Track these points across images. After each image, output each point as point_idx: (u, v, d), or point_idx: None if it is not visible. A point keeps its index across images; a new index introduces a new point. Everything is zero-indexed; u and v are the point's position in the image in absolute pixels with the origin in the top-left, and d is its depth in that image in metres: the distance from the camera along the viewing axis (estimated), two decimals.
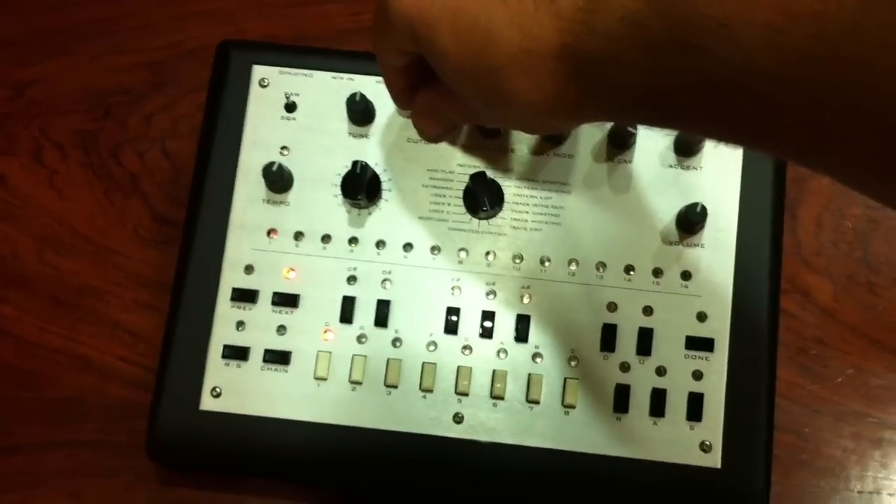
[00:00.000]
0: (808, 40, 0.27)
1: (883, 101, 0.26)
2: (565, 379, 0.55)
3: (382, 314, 0.56)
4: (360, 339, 0.56)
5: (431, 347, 0.56)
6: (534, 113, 0.40)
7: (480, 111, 0.45)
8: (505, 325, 0.56)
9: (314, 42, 0.69)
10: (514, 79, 0.38)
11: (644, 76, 0.33)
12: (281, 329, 0.57)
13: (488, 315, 0.56)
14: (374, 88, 0.59)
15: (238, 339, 0.57)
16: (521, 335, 0.56)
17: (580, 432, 0.55)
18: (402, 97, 0.53)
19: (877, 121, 0.27)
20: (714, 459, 0.54)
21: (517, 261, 0.57)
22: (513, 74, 0.38)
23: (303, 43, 0.69)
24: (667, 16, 0.30)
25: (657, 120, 0.37)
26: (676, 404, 0.55)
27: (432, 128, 0.55)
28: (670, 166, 0.57)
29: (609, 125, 0.56)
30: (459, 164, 0.58)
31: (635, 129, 0.55)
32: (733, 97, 0.31)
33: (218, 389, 0.56)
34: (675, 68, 0.32)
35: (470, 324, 0.56)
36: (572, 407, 0.55)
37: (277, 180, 0.56)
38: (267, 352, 0.56)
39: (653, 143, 0.57)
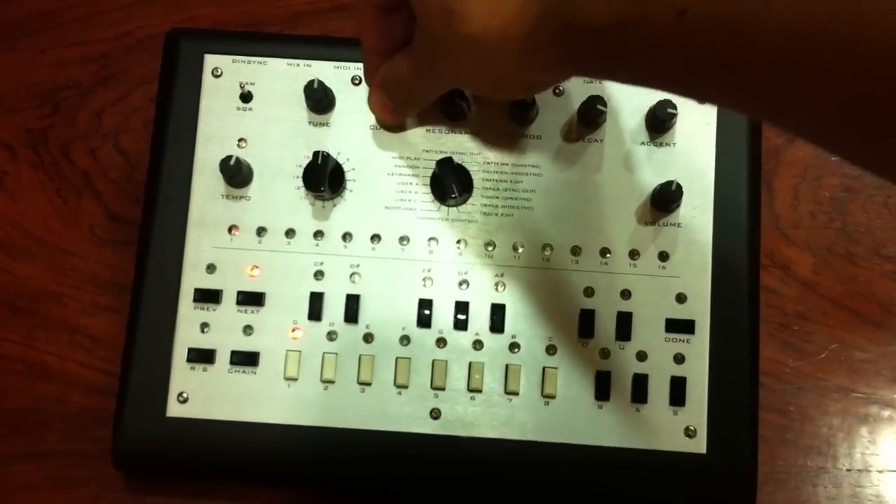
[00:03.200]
0: None
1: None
2: (544, 368, 0.53)
3: (352, 309, 0.54)
4: (331, 336, 0.54)
5: (405, 342, 0.54)
6: (486, 43, 0.39)
7: (436, 55, 0.44)
8: (479, 316, 0.54)
9: (269, 27, 0.67)
10: None
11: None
12: (247, 329, 0.54)
13: (462, 306, 0.54)
14: (333, 74, 0.56)
15: (203, 342, 0.54)
16: (497, 325, 0.54)
17: (561, 423, 0.53)
18: (371, 56, 0.51)
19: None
20: (699, 445, 0.53)
21: (489, 248, 0.55)
22: None
23: (257, 28, 0.66)
24: None
25: (624, 58, 0.34)
26: (659, 390, 0.53)
27: (387, 110, 0.53)
28: (642, 143, 0.55)
29: (577, 104, 0.54)
30: (425, 149, 0.56)
31: (604, 106, 0.53)
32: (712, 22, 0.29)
33: (184, 395, 0.54)
34: None
35: (443, 316, 0.54)
36: (552, 397, 0.53)
37: (236, 175, 0.54)
38: (234, 353, 0.54)
39: (624, 120, 0.55)
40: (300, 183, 0.55)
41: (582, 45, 0.35)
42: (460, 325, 0.54)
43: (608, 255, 0.54)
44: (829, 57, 0.26)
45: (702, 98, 0.36)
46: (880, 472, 0.57)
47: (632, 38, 0.32)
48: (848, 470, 0.57)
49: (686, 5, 0.29)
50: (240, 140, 0.56)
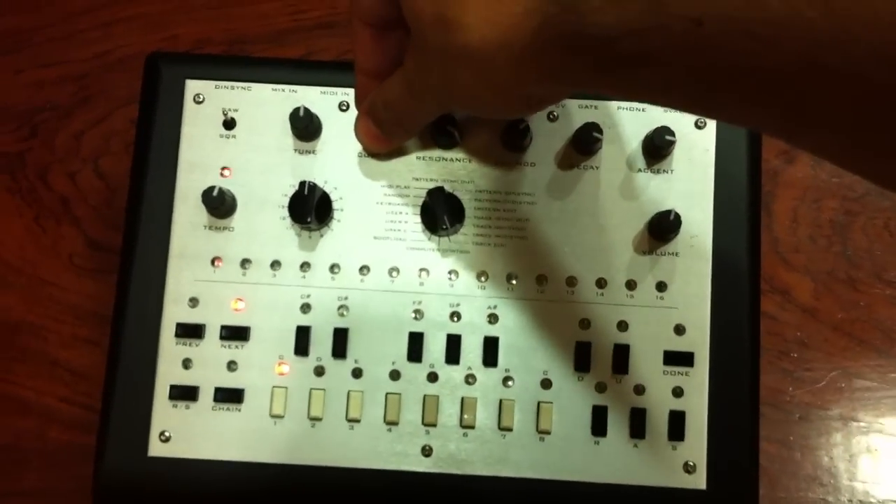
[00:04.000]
0: None
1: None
2: (539, 403, 0.52)
3: (340, 344, 0.52)
4: (318, 371, 0.52)
5: (395, 377, 0.52)
6: (484, 54, 0.37)
7: (431, 70, 0.42)
8: (472, 349, 0.52)
9: (253, 45, 0.65)
10: (472, 2, 0.36)
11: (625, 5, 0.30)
12: (231, 365, 0.53)
13: (454, 339, 0.52)
14: (320, 99, 0.54)
15: (185, 379, 0.52)
16: (490, 359, 0.52)
17: (557, 459, 0.51)
18: (363, 78, 0.49)
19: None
20: (699, 481, 0.51)
21: (482, 279, 0.53)
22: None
23: (240, 46, 0.64)
24: None
25: (632, 70, 0.32)
26: (657, 424, 0.52)
27: (374, 138, 0.52)
28: (640, 171, 0.53)
29: (572, 130, 0.53)
30: (416, 177, 0.54)
31: (600, 132, 0.52)
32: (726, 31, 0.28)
33: (167, 434, 0.52)
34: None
35: (434, 349, 0.52)
36: (547, 433, 0.52)
37: (219, 205, 0.52)
38: (217, 390, 0.52)
39: (620, 147, 0.54)
40: (286, 213, 0.53)
41: (587, 55, 0.33)
42: (452, 359, 0.52)
43: (604, 286, 0.53)
44: (863, 65, 0.25)
45: (715, 113, 0.34)
46: (882, 503, 0.56)
47: (643, 48, 0.31)
48: (849, 501, 0.56)
49: (702, 13, 0.27)
50: (223, 168, 0.54)
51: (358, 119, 0.52)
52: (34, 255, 0.61)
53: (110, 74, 0.65)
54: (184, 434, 0.52)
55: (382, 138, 0.51)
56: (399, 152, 0.54)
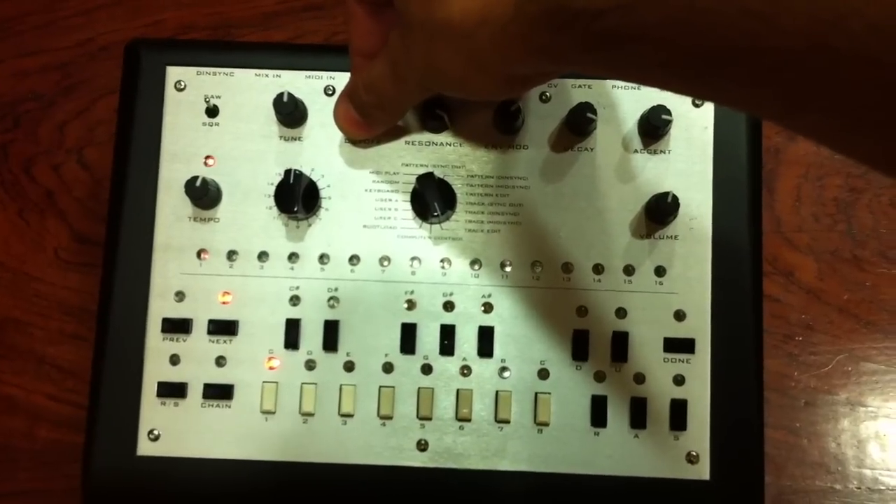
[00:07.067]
0: None
1: None
2: (536, 394, 0.50)
3: (331, 336, 0.51)
4: (309, 365, 0.51)
5: (388, 369, 0.51)
6: (465, 27, 0.36)
7: (412, 47, 0.41)
8: (466, 340, 0.51)
9: (239, 29, 0.63)
10: None
11: None
12: (220, 360, 0.51)
13: (447, 329, 0.51)
14: (305, 84, 0.53)
15: (173, 375, 0.51)
16: (485, 349, 0.51)
17: (556, 451, 0.50)
18: (358, 59, 0.48)
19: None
20: (702, 471, 0.50)
21: (475, 267, 0.51)
22: None
23: (227, 31, 0.63)
24: None
25: (622, 47, 0.31)
26: (658, 414, 0.50)
27: (353, 124, 0.50)
28: (636, 151, 0.52)
29: (565, 111, 0.51)
30: (405, 163, 0.52)
31: (595, 113, 0.50)
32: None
33: (155, 432, 0.51)
34: None
35: (428, 341, 0.51)
36: (546, 424, 0.50)
37: (202, 196, 0.51)
38: (206, 387, 0.51)
39: (616, 127, 0.52)
40: (272, 202, 0.51)
41: (572, 31, 0.31)
42: (446, 350, 0.51)
43: (602, 272, 0.51)
44: (865, 42, 0.23)
45: (710, 96, 0.32)
46: (892, 490, 0.54)
47: (631, 23, 0.29)
48: (858, 488, 0.55)
49: None
50: (207, 157, 0.53)
51: (337, 103, 0.50)
52: (19, 249, 0.60)
53: (93, 62, 0.63)
54: (173, 432, 0.51)
55: (363, 124, 0.50)
56: (387, 137, 0.52)
